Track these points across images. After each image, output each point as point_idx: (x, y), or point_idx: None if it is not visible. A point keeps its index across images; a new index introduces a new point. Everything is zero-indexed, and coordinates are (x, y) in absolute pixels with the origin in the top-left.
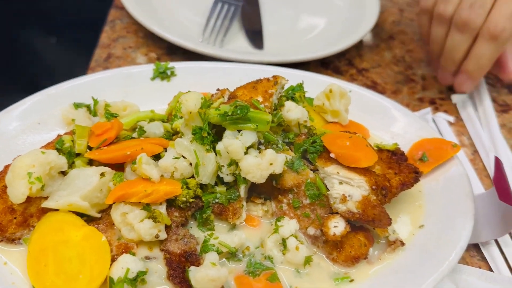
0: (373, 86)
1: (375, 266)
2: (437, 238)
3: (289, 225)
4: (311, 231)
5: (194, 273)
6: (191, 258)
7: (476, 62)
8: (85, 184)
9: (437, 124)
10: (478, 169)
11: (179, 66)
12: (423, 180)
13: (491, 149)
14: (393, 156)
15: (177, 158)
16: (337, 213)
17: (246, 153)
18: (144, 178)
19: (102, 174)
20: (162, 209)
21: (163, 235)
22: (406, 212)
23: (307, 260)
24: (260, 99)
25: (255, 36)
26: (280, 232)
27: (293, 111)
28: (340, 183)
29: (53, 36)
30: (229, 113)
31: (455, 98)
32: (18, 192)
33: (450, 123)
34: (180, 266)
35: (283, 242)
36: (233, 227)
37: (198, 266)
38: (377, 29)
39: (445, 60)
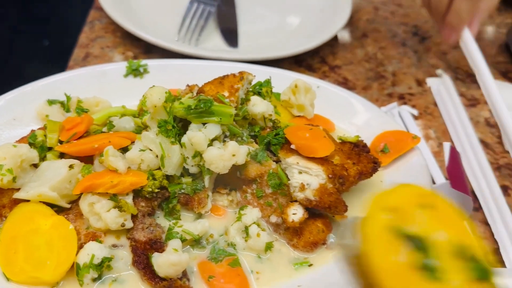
0: (344, 83)
1: (334, 251)
2: None
3: (252, 213)
4: (273, 219)
5: (157, 259)
6: (156, 245)
7: (456, 15)
8: (54, 176)
9: (402, 117)
10: (442, 161)
11: (152, 64)
12: (385, 171)
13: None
14: (355, 148)
15: (143, 150)
16: (296, 201)
17: (210, 145)
18: (111, 170)
19: (71, 166)
20: (129, 199)
21: (129, 224)
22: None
23: (268, 246)
24: (226, 93)
25: (230, 35)
26: (243, 220)
27: (258, 105)
28: (300, 172)
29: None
30: (193, 107)
31: (430, 81)
32: None
33: (415, 117)
34: (144, 253)
35: (246, 229)
36: (199, 216)
37: (162, 252)
38: (351, 27)
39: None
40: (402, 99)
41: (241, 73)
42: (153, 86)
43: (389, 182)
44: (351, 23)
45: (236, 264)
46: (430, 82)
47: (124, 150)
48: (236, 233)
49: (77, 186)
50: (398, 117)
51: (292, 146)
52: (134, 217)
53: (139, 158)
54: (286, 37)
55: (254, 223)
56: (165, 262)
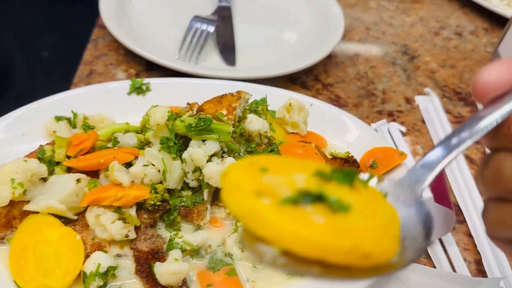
0: (336, 100)
1: None
2: None
3: None
4: None
5: (158, 268)
6: (157, 255)
7: None
8: (63, 189)
9: (391, 134)
10: None
11: (154, 82)
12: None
13: None
14: (345, 163)
15: (147, 165)
16: None
17: (209, 160)
18: (116, 183)
19: (78, 180)
20: (132, 211)
21: (132, 235)
22: None
23: None
24: (225, 112)
25: (228, 53)
26: (239, 231)
27: (254, 123)
28: None
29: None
30: (193, 125)
31: (418, 99)
32: (1, 196)
33: (403, 133)
34: (147, 262)
35: None
36: (198, 227)
37: (163, 262)
38: (343, 46)
39: None
40: (391, 116)
41: (238, 92)
42: (156, 105)
43: None
44: (343, 42)
45: (233, 274)
46: (419, 100)
47: (128, 165)
48: (233, 244)
49: (84, 199)
50: (387, 134)
51: None
52: (137, 228)
53: (143, 173)
54: (282, 54)
55: None
56: (166, 271)
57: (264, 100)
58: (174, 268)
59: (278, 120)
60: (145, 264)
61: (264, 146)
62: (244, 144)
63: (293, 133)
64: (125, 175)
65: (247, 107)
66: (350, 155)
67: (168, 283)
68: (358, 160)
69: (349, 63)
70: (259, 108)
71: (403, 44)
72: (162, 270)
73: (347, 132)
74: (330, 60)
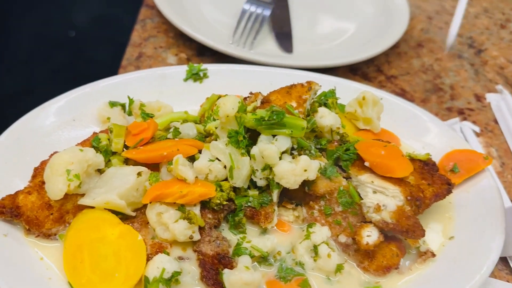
0: (402, 94)
1: (406, 276)
2: (468, 251)
3: (321, 232)
4: (343, 238)
5: (228, 276)
6: (224, 260)
7: None
8: (122, 183)
9: (464, 134)
10: (506, 182)
11: (212, 68)
12: (453, 192)
13: None
14: (425, 167)
15: (212, 160)
16: (369, 222)
17: (280, 158)
18: (180, 179)
19: (139, 174)
20: (196, 210)
21: (196, 236)
22: (436, 223)
23: (339, 268)
24: (294, 104)
25: (285, 40)
26: (312, 238)
27: (326, 118)
28: (374, 192)
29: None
30: (265, 118)
31: (490, 97)
32: (56, 188)
33: (477, 134)
34: (213, 268)
35: (315, 248)
36: (264, 231)
37: (231, 268)
38: (405, 36)
39: None
40: (462, 114)
41: (309, 83)
42: (226, 95)
43: (459, 204)
44: (405, 31)
45: (306, 285)
46: (490, 97)
47: (190, 159)
48: (305, 252)
49: (147, 195)
50: (460, 134)
51: (366, 163)
52: (200, 229)
53: (208, 168)
54: (340, 44)
55: (323, 242)
56: (237, 281)
57: (332, 92)
58: (247, 278)
59: (348, 115)
60: (212, 270)
61: (336, 143)
62: (313, 140)
63: (364, 129)
64: (189, 170)
65: (316, 100)
66: (430, 157)
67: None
68: (436, 162)
69: (413, 54)
70: (328, 101)
71: (468, 36)
72: (233, 280)
73: (423, 131)
74: (392, 50)
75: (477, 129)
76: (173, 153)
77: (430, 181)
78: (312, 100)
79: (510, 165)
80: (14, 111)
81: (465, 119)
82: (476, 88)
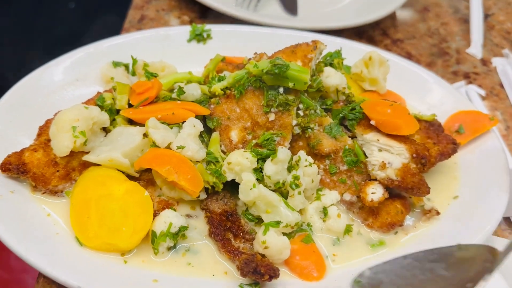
0: (408, 58)
1: (410, 233)
2: (472, 209)
3: (331, 195)
4: (347, 196)
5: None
6: (232, 217)
7: None
8: (128, 142)
9: (469, 97)
10: (511, 145)
11: (216, 29)
12: (458, 152)
13: None
14: (430, 127)
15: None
16: (374, 179)
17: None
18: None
19: (145, 135)
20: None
21: (203, 195)
22: (441, 183)
23: (348, 229)
24: (300, 63)
25: (289, 2)
26: (322, 200)
27: (332, 77)
28: (380, 150)
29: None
30: (266, 70)
31: (496, 61)
32: (62, 145)
33: (483, 97)
34: (221, 224)
35: (324, 210)
36: None
37: (238, 225)
38: (411, 0)
39: None
40: (467, 78)
41: (314, 42)
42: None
43: (464, 164)
44: None
45: (309, 241)
46: (496, 61)
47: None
48: (314, 213)
49: (139, 161)
50: (466, 97)
51: (372, 122)
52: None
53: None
54: (346, 7)
55: (332, 204)
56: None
57: (338, 53)
58: (280, 245)
59: (354, 76)
60: (220, 227)
61: (341, 103)
62: (318, 100)
63: (370, 90)
64: (158, 134)
65: (321, 60)
66: (435, 117)
67: (274, 259)
68: (442, 123)
69: (418, 18)
70: (334, 61)
71: None
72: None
73: (429, 93)
74: (398, 14)
75: (483, 92)
76: (167, 116)
77: (436, 140)
78: (318, 61)
79: None
80: (15, 80)
81: (470, 83)
82: (483, 53)
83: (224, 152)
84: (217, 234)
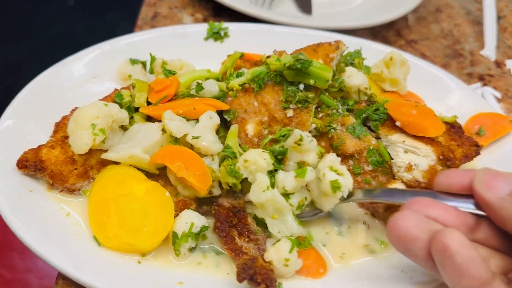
0: (423, 59)
1: None
2: None
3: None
4: None
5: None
6: (239, 214)
7: None
8: (147, 138)
9: (486, 99)
10: None
11: (233, 28)
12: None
13: None
14: (451, 129)
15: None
16: (395, 179)
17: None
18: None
19: (164, 130)
20: (215, 165)
21: (216, 191)
22: None
23: (334, 185)
24: (321, 62)
25: (304, 0)
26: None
27: (354, 77)
28: (405, 151)
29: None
30: (288, 65)
31: (509, 63)
32: (81, 142)
33: (498, 99)
34: (227, 220)
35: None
36: None
37: (244, 223)
38: (424, 1)
39: None
40: (482, 80)
41: (337, 42)
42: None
43: (484, 166)
44: None
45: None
46: (510, 64)
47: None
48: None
49: (154, 156)
50: (483, 99)
51: (397, 123)
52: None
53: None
54: (359, 6)
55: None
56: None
57: (358, 53)
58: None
59: (373, 76)
60: (225, 222)
61: (363, 104)
62: (339, 100)
63: (391, 91)
64: (175, 125)
65: (341, 60)
66: (456, 119)
67: (279, 271)
68: (462, 125)
69: (431, 20)
70: (355, 61)
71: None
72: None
73: (447, 94)
74: (411, 15)
75: (498, 94)
76: (189, 112)
77: (459, 142)
78: (338, 61)
79: None
80: (16, 79)
81: (485, 85)
82: (496, 55)
83: (240, 146)
84: (221, 230)
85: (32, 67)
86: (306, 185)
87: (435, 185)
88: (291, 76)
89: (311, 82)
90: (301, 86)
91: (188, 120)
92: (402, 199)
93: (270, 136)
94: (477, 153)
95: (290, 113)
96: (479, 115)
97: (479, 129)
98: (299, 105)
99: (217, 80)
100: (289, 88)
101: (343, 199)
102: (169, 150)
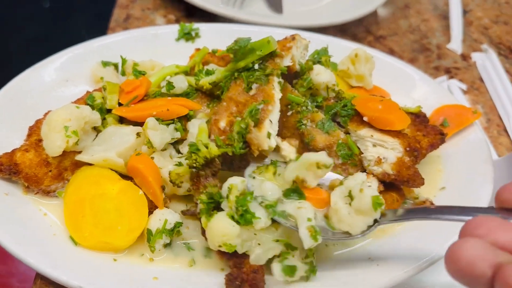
0: (391, 54)
1: (403, 223)
2: (458, 200)
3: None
4: None
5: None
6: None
7: None
8: (122, 142)
9: (451, 92)
10: (492, 137)
11: (204, 28)
12: (442, 145)
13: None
14: (416, 119)
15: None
16: (367, 172)
17: None
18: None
19: (138, 134)
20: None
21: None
22: (426, 176)
23: (376, 202)
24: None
25: (274, 0)
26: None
27: (322, 75)
28: (374, 145)
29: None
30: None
31: (475, 56)
32: (54, 145)
33: (464, 91)
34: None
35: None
36: None
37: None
38: None
39: None
40: (449, 73)
41: (292, 35)
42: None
43: (448, 156)
44: None
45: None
46: (475, 57)
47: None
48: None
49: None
50: (448, 91)
51: (364, 118)
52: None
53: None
54: (330, 4)
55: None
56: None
57: (325, 50)
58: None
59: (340, 73)
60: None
61: (332, 100)
62: (309, 98)
63: (357, 87)
64: (158, 136)
65: (309, 58)
66: (420, 109)
67: None
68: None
69: (400, 15)
70: (322, 59)
71: None
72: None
73: (413, 88)
74: (380, 11)
75: (464, 87)
76: (162, 113)
77: (425, 132)
78: (303, 54)
79: (495, 121)
80: None
81: (452, 77)
82: (462, 48)
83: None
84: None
85: (7, 70)
86: (326, 215)
87: (497, 201)
88: (241, 60)
89: (258, 53)
90: (256, 66)
91: (161, 122)
92: (460, 217)
93: (238, 119)
94: (442, 141)
95: (253, 91)
96: (443, 107)
97: (443, 120)
98: (260, 82)
99: (186, 73)
100: (248, 73)
101: (375, 222)
102: (132, 164)
